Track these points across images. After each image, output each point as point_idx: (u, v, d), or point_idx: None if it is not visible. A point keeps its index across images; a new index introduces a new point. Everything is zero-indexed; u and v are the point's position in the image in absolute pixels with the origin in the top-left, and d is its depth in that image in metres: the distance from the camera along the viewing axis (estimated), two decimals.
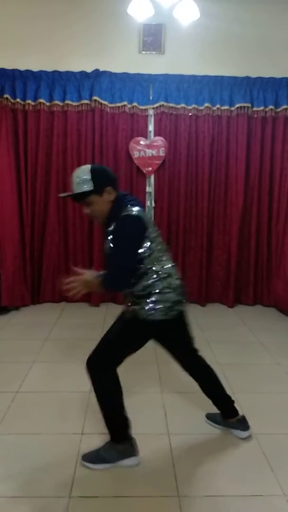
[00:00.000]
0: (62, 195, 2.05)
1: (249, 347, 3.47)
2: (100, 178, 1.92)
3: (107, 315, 4.25)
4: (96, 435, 2.19)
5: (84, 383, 2.71)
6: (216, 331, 3.84)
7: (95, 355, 1.98)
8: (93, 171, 1.91)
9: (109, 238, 1.92)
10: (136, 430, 2.17)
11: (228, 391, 2.65)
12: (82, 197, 1.92)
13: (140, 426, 2.26)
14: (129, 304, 1.99)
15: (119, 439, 1.99)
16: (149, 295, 1.92)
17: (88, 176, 1.90)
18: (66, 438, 2.18)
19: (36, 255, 4.47)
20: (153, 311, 1.91)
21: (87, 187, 1.88)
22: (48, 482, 1.86)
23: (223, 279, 4.63)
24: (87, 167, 1.95)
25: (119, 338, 1.99)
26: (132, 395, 2.61)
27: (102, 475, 1.91)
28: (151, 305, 1.91)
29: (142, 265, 1.90)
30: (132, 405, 2.46)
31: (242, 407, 2.50)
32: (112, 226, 1.90)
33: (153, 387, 2.74)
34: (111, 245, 1.90)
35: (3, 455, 2.04)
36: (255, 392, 2.71)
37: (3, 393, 2.60)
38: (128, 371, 2.89)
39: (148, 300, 1.92)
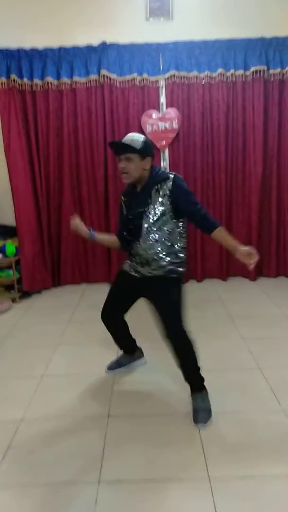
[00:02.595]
0: (112, 141, 2.16)
1: (273, 321, 3.40)
2: (148, 147, 2.16)
3: None
4: (123, 417, 2.19)
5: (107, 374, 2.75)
6: (239, 305, 3.78)
7: (173, 325, 2.19)
8: (146, 139, 2.17)
9: (159, 200, 2.12)
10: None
11: (254, 366, 2.63)
12: (128, 149, 2.10)
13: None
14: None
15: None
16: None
17: (141, 140, 2.13)
18: (93, 421, 2.18)
19: (54, 238, 4.45)
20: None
21: (136, 146, 2.10)
22: (76, 467, 1.87)
23: None
24: (142, 135, 2.20)
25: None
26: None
27: (130, 458, 1.91)
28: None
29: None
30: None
31: (269, 382, 2.46)
32: (160, 190, 2.12)
33: None
34: (184, 200, 2.12)
35: (31, 441, 2.06)
36: (283, 367, 2.65)
37: (28, 378, 2.63)
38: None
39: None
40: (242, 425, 2.11)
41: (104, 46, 4.09)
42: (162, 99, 4.26)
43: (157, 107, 4.26)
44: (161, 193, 2.11)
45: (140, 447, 1.97)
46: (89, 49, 4.09)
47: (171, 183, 2.11)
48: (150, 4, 4.16)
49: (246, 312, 3.61)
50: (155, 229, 2.14)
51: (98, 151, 4.29)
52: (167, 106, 4.25)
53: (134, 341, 2.70)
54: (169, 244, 2.17)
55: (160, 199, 2.12)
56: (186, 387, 2.26)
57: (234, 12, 4.14)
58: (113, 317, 2.50)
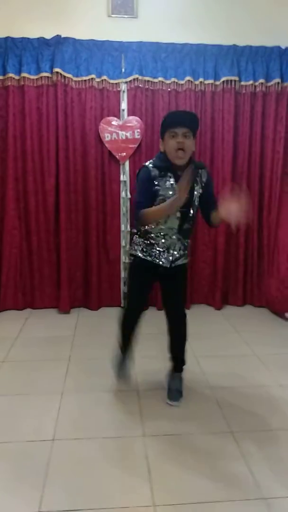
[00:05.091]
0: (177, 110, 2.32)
1: (244, 363, 2.97)
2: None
3: (78, 324, 3.68)
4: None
5: (46, 426, 2.19)
6: (204, 341, 3.31)
7: (183, 306, 2.46)
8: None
9: (200, 184, 2.19)
10: None
11: (229, 437, 2.13)
12: (194, 122, 2.09)
13: None
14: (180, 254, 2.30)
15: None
16: None
17: (198, 117, 2.17)
18: None
19: None
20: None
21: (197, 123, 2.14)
22: None
23: (209, 278, 4.11)
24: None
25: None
26: None
27: None
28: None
29: None
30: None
31: (252, 470, 1.96)
32: (203, 176, 2.20)
33: None
34: (210, 191, 2.25)
35: None
36: (258, 430, 2.21)
37: None
38: None
39: None
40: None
41: (58, 40, 3.58)
42: (124, 105, 3.79)
43: (117, 113, 3.79)
44: (198, 180, 2.17)
45: None
46: (41, 42, 3.57)
47: (206, 172, 2.22)
48: None
49: (212, 351, 3.15)
50: (193, 217, 2.23)
51: (48, 158, 3.75)
52: (128, 113, 3.79)
53: None
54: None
55: (198, 187, 2.18)
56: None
57: (205, 16, 3.77)
58: (139, 317, 2.44)
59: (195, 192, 2.17)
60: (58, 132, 3.70)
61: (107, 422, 2.24)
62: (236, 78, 3.78)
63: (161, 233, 2.22)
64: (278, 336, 3.46)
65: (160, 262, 2.25)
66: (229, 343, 3.32)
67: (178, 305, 2.42)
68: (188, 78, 3.75)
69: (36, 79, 3.62)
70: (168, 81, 3.75)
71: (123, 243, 3.96)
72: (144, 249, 2.27)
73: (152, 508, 1.67)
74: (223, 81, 3.78)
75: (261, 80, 3.78)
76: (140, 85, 3.73)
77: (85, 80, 3.68)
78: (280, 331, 3.58)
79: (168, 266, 2.27)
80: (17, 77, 3.61)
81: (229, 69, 3.77)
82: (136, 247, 2.32)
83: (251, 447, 2.04)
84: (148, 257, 2.27)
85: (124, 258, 3.99)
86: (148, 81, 3.74)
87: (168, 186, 2.11)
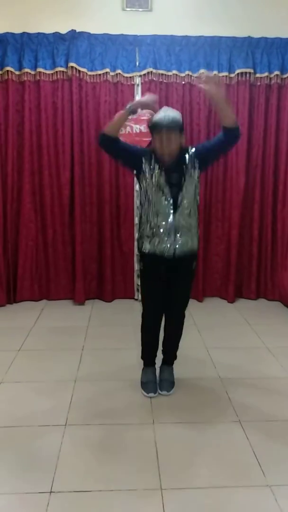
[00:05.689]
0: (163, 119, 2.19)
1: (255, 355, 2.99)
2: (183, 124, 2.27)
3: (92, 315, 3.76)
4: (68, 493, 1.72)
5: (59, 412, 2.27)
6: (216, 333, 3.36)
7: (184, 306, 2.47)
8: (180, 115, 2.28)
9: (192, 164, 2.28)
10: None
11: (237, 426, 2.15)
12: (177, 126, 2.19)
13: None
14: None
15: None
16: None
17: (180, 116, 2.25)
18: (31, 498, 1.70)
19: (10, 249, 3.92)
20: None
21: (180, 122, 2.22)
22: None
23: (222, 271, 4.12)
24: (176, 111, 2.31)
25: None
26: None
27: None
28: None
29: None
30: None
31: (259, 458, 1.95)
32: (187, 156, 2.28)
33: None
34: (206, 145, 2.40)
35: None
36: (266, 420, 2.24)
37: None
38: None
39: None
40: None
41: (73, 34, 3.62)
42: (138, 99, 3.81)
43: None
44: (186, 165, 2.26)
45: None
46: (57, 37, 3.63)
47: (193, 149, 2.30)
48: None
49: (224, 343, 3.18)
50: (188, 208, 2.27)
51: (64, 152, 3.82)
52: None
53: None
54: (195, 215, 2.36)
55: (189, 171, 2.26)
56: None
57: (219, 7, 3.76)
58: (160, 320, 2.46)
59: (185, 180, 2.23)
60: (73, 126, 3.76)
61: (118, 410, 2.30)
62: (251, 70, 3.76)
63: (158, 222, 2.25)
64: None
65: (160, 248, 2.25)
66: (240, 335, 3.34)
67: (177, 304, 2.44)
68: (202, 71, 3.74)
69: (52, 73, 3.68)
70: (182, 74, 3.76)
71: (136, 235, 3.99)
72: (148, 242, 2.28)
73: (159, 491, 1.72)
74: (238, 74, 3.77)
75: (276, 72, 3.76)
76: (154, 79, 3.75)
77: (99, 74, 3.72)
78: None
79: (170, 252, 2.24)
80: (33, 72, 3.67)
81: (243, 61, 3.75)
82: (141, 242, 2.34)
83: (258, 436, 2.07)
84: (151, 248, 2.27)
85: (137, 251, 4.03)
86: (162, 74, 3.76)
87: (148, 170, 2.27)
